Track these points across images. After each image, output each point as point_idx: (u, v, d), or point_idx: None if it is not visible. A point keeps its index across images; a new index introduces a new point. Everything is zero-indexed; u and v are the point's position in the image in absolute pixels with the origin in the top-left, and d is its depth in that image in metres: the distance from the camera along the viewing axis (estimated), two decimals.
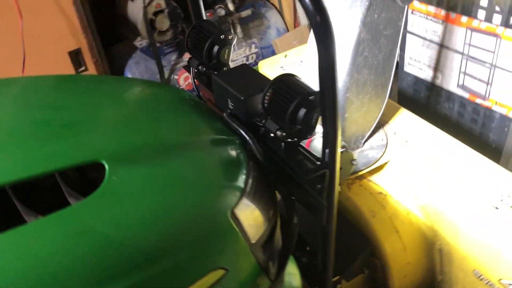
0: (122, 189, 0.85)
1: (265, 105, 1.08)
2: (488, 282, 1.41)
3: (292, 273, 1.25)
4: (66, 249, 0.73)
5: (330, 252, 1.21)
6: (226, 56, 1.26)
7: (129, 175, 0.88)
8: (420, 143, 1.72)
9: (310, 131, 1.05)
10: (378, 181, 1.67)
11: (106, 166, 0.84)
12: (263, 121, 1.15)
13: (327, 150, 1.02)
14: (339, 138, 1.00)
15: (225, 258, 0.93)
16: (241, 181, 0.99)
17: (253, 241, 0.99)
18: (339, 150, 1.02)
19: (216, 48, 1.25)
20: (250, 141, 1.09)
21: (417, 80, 2.56)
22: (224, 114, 1.17)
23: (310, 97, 1.01)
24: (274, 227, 1.08)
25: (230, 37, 1.26)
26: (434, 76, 2.46)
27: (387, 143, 1.74)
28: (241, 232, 0.95)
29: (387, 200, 1.62)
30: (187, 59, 1.38)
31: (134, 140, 0.96)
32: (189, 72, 1.38)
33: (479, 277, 1.44)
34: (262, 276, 1.07)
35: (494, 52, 2.11)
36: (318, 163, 1.05)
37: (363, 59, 1.53)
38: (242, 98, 1.12)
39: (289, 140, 1.08)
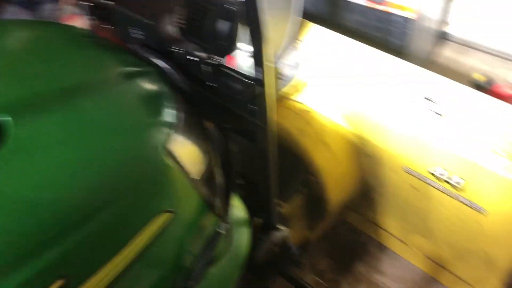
0: (30, 144, 0.70)
1: (181, 27, 0.95)
2: (418, 175, 1.48)
3: (236, 205, 1.20)
4: None
5: (271, 176, 1.17)
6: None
7: (35, 127, 0.73)
8: (335, 55, 1.69)
9: (234, 44, 0.95)
10: (300, 99, 1.63)
11: (7, 120, 0.69)
12: (178, 47, 1.02)
13: (258, 66, 0.93)
14: (269, 51, 0.91)
15: (169, 200, 0.84)
16: (167, 114, 0.88)
17: (196, 178, 0.90)
18: (271, 64, 0.94)
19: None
20: (170, 70, 0.96)
21: None
22: (134, 46, 1.01)
23: (230, 9, 0.90)
24: (213, 161, 1.00)
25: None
26: None
27: (300, 59, 1.69)
28: (180, 169, 0.85)
29: (312, 116, 1.60)
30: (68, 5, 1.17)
31: (32, 87, 0.79)
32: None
33: (409, 172, 1.51)
34: (210, 214, 1.00)
35: None
36: (249, 81, 0.96)
37: None
38: (153, 23, 0.98)
39: (214, 61, 0.97)
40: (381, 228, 1.85)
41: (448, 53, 2.80)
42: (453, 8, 2.73)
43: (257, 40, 0.89)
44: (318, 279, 1.80)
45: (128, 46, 1.03)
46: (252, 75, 0.96)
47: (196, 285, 0.90)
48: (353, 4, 2.38)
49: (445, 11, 2.71)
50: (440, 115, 1.40)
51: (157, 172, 0.81)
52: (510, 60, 2.68)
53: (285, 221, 1.48)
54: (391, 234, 1.82)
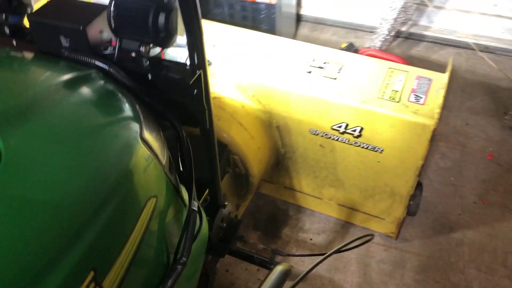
0: (24, 155, 0.71)
1: (113, 25, 0.99)
2: (323, 134, 1.71)
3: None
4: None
5: (215, 157, 1.27)
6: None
7: (19, 140, 0.73)
8: (227, 42, 1.84)
9: (174, 35, 1.02)
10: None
11: None
12: (109, 47, 1.06)
13: (195, 53, 1.02)
14: (204, 36, 1.01)
15: (152, 185, 0.90)
16: (130, 109, 0.93)
17: (164, 163, 0.97)
18: (205, 48, 1.04)
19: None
20: (111, 69, 0.99)
21: None
22: (65, 54, 1.02)
23: (165, 0, 0.97)
24: (168, 150, 1.07)
25: None
26: None
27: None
28: (154, 155, 0.91)
29: (224, 102, 1.72)
30: None
31: None
32: None
33: (315, 133, 1.73)
34: (179, 200, 1.07)
35: None
36: (191, 67, 1.05)
37: None
38: (81, 28, 1.00)
39: (151, 55, 1.03)
40: (297, 191, 2.07)
41: (306, 32, 3.15)
42: None
43: (194, 28, 0.98)
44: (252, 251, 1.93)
45: (59, 55, 1.03)
46: (189, 62, 1.05)
47: (187, 260, 0.97)
48: None
49: None
50: (334, 79, 1.64)
51: (141, 160, 0.86)
52: (356, 30, 3.12)
53: (224, 199, 1.60)
54: (307, 194, 2.05)
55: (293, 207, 2.18)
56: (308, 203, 2.12)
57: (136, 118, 0.91)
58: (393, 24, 2.52)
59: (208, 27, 1.92)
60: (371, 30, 3.00)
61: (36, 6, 1.14)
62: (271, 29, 2.61)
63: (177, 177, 1.09)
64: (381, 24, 2.57)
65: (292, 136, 1.81)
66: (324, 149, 1.78)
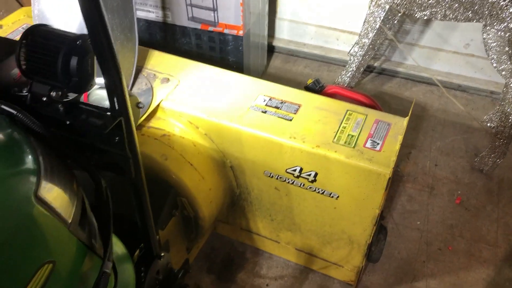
0: None
1: (23, 67, 0.91)
2: (278, 176, 1.63)
3: (114, 242, 1.17)
4: None
5: (146, 205, 1.18)
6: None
7: None
8: (182, 77, 1.77)
9: (89, 80, 0.94)
10: (157, 125, 1.66)
11: None
12: (24, 89, 0.97)
13: (115, 98, 0.94)
14: (124, 80, 0.93)
15: (48, 248, 0.80)
16: (29, 160, 0.84)
17: (69, 221, 0.87)
18: (127, 93, 0.96)
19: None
20: (19, 114, 0.90)
21: (149, 23, 2.57)
22: None
23: (78, 42, 0.89)
24: (83, 201, 0.97)
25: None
26: (164, 15, 2.51)
27: (151, 86, 1.72)
28: (54, 215, 0.82)
29: (173, 140, 1.64)
30: None
31: None
32: None
33: (270, 175, 1.65)
34: (91, 256, 0.97)
35: None
36: (108, 113, 0.97)
37: (103, 3, 1.42)
38: None
39: (66, 99, 0.95)
40: (254, 233, 1.97)
41: (278, 63, 3.11)
42: (278, 23, 3.04)
43: (110, 71, 0.90)
44: None
45: None
46: (107, 107, 0.96)
47: None
48: (188, 28, 2.49)
49: (271, 26, 3.00)
50: (290, 120, 1.57)
51: (32, 222, 0.77)
52: (330, 63, 3.09)
53: (165, 247, 1.49)
54: (264, 236, 1.96)
55: (251, 249, 2.08)
56: (266, 246, 2.02)
57: (33, 173, 0.81)
58: (361, 61, 2.48)
59: (165, 59, 1.86)
60: (343, 64, 2.97)
61: (8, 28, 1.05)
62: (239, 61, 2.55)
63: (93, 230, 0.99)
64: (349, 60, 2.53)
65: (247, 177, 1.73)
66: (280, 192, 1.70)
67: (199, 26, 2.47)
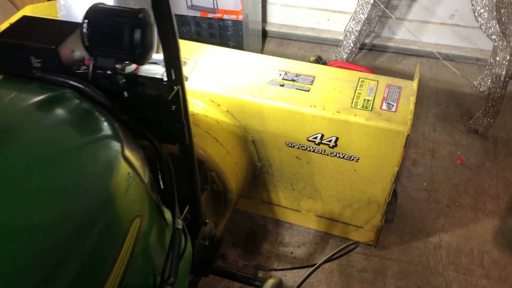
0: (4, 180, 0.68)
1: (86, 43, 0.97)
2: (299, 145, 1.72)
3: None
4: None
5: (195, 172, 1.25)
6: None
7: None
8: (197, 59, 1.83)
9: (150, 51, 1.01)
10: None
11: None
12: (82, 66, 1.04)
13: (172, 69, 1.01)
14: (180, 51, 1.01)
15: (136, 204, 0.88)
16: (110, 128, 0.91)
17: (146, 181, 0.95)
18: (182, 65, 1.03)
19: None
20: (87, 88, 0.97)
21: None
22: (35, 75, 0.99)
23: (140, 15, 0.96)
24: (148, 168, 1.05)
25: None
26: None
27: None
28: (136, 173, 0.89)
29: (197, 119, 1.71)
30: None
31: None
32: None
33: (291, 145, 1.74)
34: (161, 220, 1.04)
35: None
36: (165, 83, 1.04)
37: None
38: (53, 47, 0.97)
39: (128, 72, 1.02)
40: (275, 205, 2.06)
41: (272, 47, 3.19)
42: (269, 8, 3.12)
43: (170, 43, 0.98)
44: (235, 269, 1.91)
45: (30, 76, 1.00)
46: (166, 78, 1.04)
47: (175, 280, 0.94)
48: (188, 17, 2.55)
49: (263, 11, 3.07)
50: (307, 91, 1.66)
51: (124, 178, 0.84)
52: (322, 44, 3.19)
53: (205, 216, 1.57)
54: (285, 207, 2.05)
55: (271, 222, 2.17)
56: (287, 217, 2.11)
57: (116, 137, 0.89)
58: (357, 36, 2.58)
59: (182, 44, 1.92)
60: (335, 44, 3.08)
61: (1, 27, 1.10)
62: (239, 46, 2.62)
63: (158, 196, 1.07)
64: (345, 36, 2.63)
65: (268, 150, 1.81)
66: (301, 161, 1.79)
67: (198, 14, 2.54)
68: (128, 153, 0.89)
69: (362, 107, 1.60)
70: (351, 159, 1.69)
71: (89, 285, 0.70)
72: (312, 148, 1.71)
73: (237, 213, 2.19)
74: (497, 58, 2.31)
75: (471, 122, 2.53)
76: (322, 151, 1.70)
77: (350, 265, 2.04)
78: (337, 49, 2.76)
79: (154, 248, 0.98)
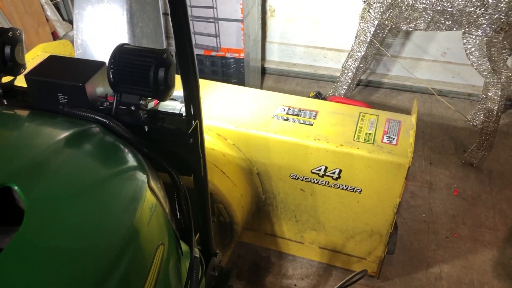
0: (47, 204, 0.72)
1: (112, 80, 1.04)
2: (303, 177, 1.77)
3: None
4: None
5: (208, 203, 1.30)
6: (21, 55, 1.11)
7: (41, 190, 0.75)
8: (204, 95, 1.91)
9: (171, 88, 1.07)
10: None
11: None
12: (106, 103, 1.10)
13: (191, 105, 1.08)
14: (199, 89, 1.08)
15: (160, 232, 0.92)
16: (135, 160, 0.96)
17: (167, 210, 0.99)
18: (201, 101, 1.10)
19: (8, 48, 1.08)
20: (111, 123, 1.03)
21: None
22: (63, 108, 1.05)
23: (164, 55, 1.03)
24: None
25: (18, 33, 1.11)
26: (168, 44, 2.66)
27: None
28: (159, 203, 0.94)
29: (206, 152, 1.76)
30: None
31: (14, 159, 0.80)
32: None
33: (295, 177, 1.79)
34: (178, 249, 1.08)
35: (213, 7, 2.45)
36: (183, 118, 1.10)
37: (140, 30, 1.57)
38: (80, 84, 1.03)
39: (148, 108, 1.08)
40: (278, 237, 2.09)
41: (271, 83, 3.29)
42: (268, 46, 3.24)
43: (191, 81, 1.05)
44: None
45: (56, 111, 1.06)
46: (185, 113, 1.10)
47: None
48: None
49: (262, 50, 3.19)
50: (311, 125, 1.74)
51: (149, 208, 0.89)
52: (318, 80, 3.29)
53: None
54: (288, 239, 2.08)
55: (274, 254, 2.19)
56: (290, 249, 2.14)
57: (142, 168, 0.94)
58: (355, 73, 2.69)
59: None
60: (332, 80, 3.19)
61: (28, 64, 1.17)
62: (240, 82, 2.72)
63: (177, 224, 1.11)
64: (343, 73, 2.74)
65: (273, 182, 1.87)
66: (305, 193, 1.84)
67: (202, 52, 2.64)
68: (153, 184, 0.94)
69: (364, 140, 1.67)
70: (354, 190, 1.74)
71: None
72: (316, 180, 1.77)
73: (240, 245, 2.21)
74: (489, 94, 2.41)
75: (466, 155, 2.61)
76: (326, 183, 1.76)
77: None
78: (334, 85, 2.86)
79: (173, 276, 1.02)
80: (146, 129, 1.12)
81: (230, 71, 2.68)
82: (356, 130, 1.71)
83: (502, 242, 2.25)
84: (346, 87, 2.75)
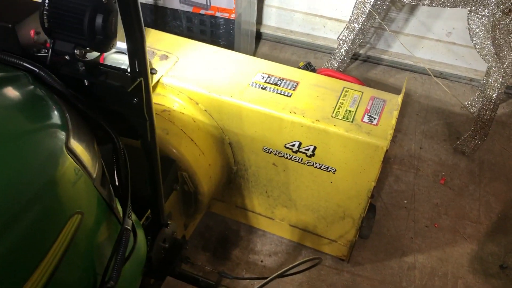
0: None
1: (46, 25, 0.92)
2: (276, 151, 1.67)
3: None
4: None
5: (157, 171, 1.20)
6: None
7: None
8: (180, 54, 1.79)
9: (112, 39, 0.96)
10: (157, 101, 1.68)
11: None
12: (43, 49, 0.99)
13: (136, 59, 0.96)
14: (146, 42, 0.96)
15: (78, 200, 0.83)
16: (58, 116, 0.86)
17: (94, 176, 0.90)
18: (148, 56, 0.98)
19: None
20: (41, 71, 0.92)
21: (141, 5, 2.57)
22: None
23: (104, 0, 0.92)
24: (101, 161, 1.00)
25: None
26: None
27: (151, 62, 1.73)
28: (82, 167, 0.84)
29: (173, 115, 1.66)
30: None
31: None
32: None
33: (268, 151, 1.69)
34: (111, 216, 0.99)
35: None
36: (128, 74, 0.99)
37: None
38: (10, 26, 0.92)
39: (87, 59, 0.97)
40: (249, 210, 2.01)
41: (265, 50, 3.15)
42: (265, 10, 3.08)
43: (135, 32, 0.93)
44: (198, 274, 1.86)
45: None
46: (129, 69, 0.99)
47: (116, 284, 0.89)
48: (179, 11, 2.50)
49: (259, 13, 3.03)
50: (289, 96, 1.62)
51: (65, 171, 0.79)
52: (316, 50, 3.15)
53: (168, 217, 1.52)
54: (258, 214, 2.00)
55: (244, 228, 2.12)
56: (260, 224, 2.07)
57: (62, 127, 0.84)
58: (350, 45, 2.55)
59: (163, 37, 1.88)
60: (329, 52, 3.04)
61: None
62: (230, 45, 2.58)
63: (112, 192, 1.02)
64: (338, 45, 2.60)
65: (245, 154, 1.77)
66: (277, 168, 1.74)
67: (190, 9, 2.49)
68: (74, 145, 0.84)
69: (343, 117, 1.56)
70: (328, 170, 1.64)
71: (15, 271, 0.67)
72: (289, 155, 1.67)
73: (210, 216, 2.14)
74: (490, 80, 2.28)
75: (458, 142, 2.50)
76: (299, 159, 1.66)
77: (320, 279, 2.00)
78: (330, 57, 2.72)
79: (100, 247, 0.94)
80: (87, 84, 1.01)
81: (219, 32, 2.54)
82: (336, 106, 1.60)
83: (483, 236, 2.17)
84: (340, 60, 2.62)
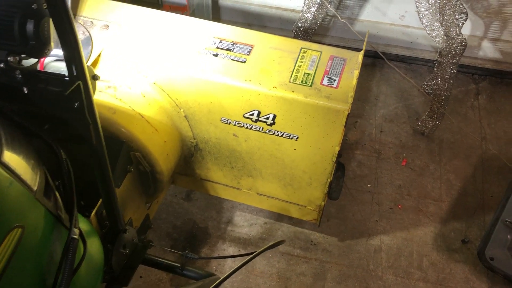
0: None
1: None
2: (235, 122, 1.66)
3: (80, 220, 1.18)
4: None
5: (108, 175, 1.19)
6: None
7: None
8: (123, 23, 1.75)
9: (46, 44, 0.96)
10: (103, 77, 1.63)
11: None
12: None
13: (72, 64, 0.95)
14: (81, 45, 0.95)
15: (16, 213, 0.83)
16: None
17: (35, 188, 0.90)
18: (84, 59, 0.97)
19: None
20: None
21: None
22: None
23: (33, 6, 0.92)
24: (45, 172, 1.00)
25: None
26: None
27: (90, 34, 1.69)
28: (19, 180, 0.84)
29: (119, 92, 1.62)
30: None
31: None
32: None
33: (227, 122, 1.68)
34: (59, 227, 0.99)
35: None
36: (66, 79, 0.98)
37: None
38: None
39: (23, 65, 0.97)
40: (214, 182, 1.98)
41: None
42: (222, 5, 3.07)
43: (68, 35, 0.92)
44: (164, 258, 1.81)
45: None
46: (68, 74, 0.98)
47: None
48: None
49: (215, 10, 3.02)
50: (243, 62, 1.62)
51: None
52: None
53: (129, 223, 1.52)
54: (224, 185, 1.98)
55: (212, 225, 2.11)
56: (228, 194, 2.04)
57: None
58: (304, 36, 2.59)
59: (101, 5, 1.81)
60: None
61: None
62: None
63: (59, 202, 1.01)
64: (294, 36, 2.64)
65: (203, 126, 1.74)
66: (238, 138, 1.73)
67: None
68: (9, 158, 0.83)
69: (302, 82, 1.57)
70: (290, 137, 1.65)
71: None
72: (249, 125, 1.66)
73: (177, 216, 2.12)
74: (442, 61, 2.38)
75: (417, 123, 2.58)
76: (260, 128, 1.66)
77: (289, 269, 2.00)
78: None
79: (49, 258, 0.94)
80: (26, 91, 0.99)
81: None
82: (294, 70, 1.61)
83: (445, 214, 2.24)
84: None
